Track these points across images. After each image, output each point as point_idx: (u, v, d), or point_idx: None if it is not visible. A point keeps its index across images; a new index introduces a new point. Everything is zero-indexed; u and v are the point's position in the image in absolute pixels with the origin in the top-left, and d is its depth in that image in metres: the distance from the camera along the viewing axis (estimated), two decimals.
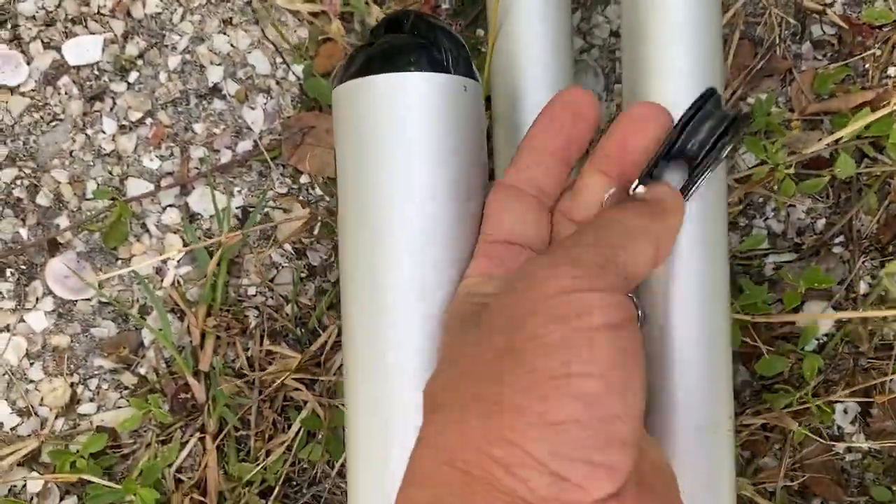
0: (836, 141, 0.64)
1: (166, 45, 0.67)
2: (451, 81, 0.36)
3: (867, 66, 0.66)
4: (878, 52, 0.66)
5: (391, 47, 0.38)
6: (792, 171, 0.62)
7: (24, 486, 0.65)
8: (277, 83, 0.67)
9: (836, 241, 0.66)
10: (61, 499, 0.65)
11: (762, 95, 0.66)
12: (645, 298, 0.38)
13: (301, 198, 0.67)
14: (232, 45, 0.67)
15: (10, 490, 0.65)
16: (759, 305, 0.62)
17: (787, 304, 0.62)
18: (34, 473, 0.64)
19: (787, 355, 0.64)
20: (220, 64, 0.67)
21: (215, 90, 0.67)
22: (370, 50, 0.38)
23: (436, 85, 0.36)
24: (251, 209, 0.67)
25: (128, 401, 0.66)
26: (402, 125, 0.35)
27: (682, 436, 0.37)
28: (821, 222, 0.67)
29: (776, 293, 0.65)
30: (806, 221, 0.67)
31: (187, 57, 0.67)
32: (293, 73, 0.67)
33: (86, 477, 0.62)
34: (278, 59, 0.67)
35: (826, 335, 0.66)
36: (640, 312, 0.34)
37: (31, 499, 0.65)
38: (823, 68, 0.66)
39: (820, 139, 0.65)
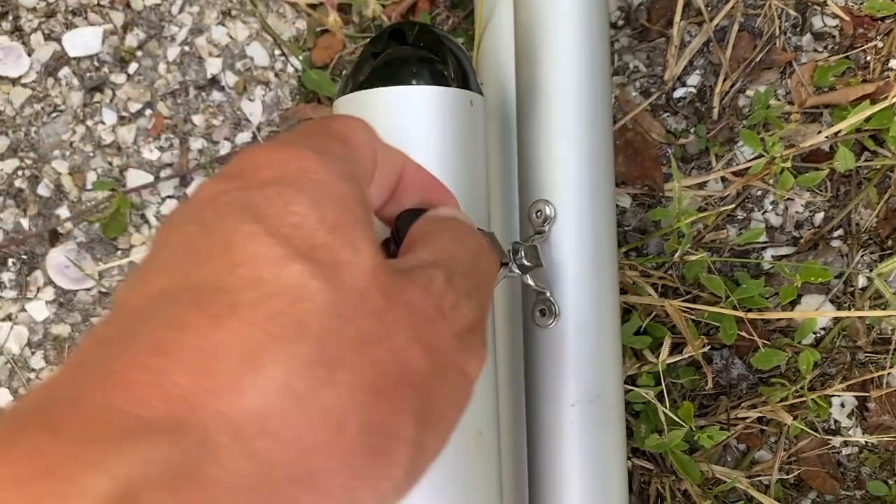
0: (836, 134, 0.64)
1: (165, 37, 0.67)
2: (457, 96, 0.36)
3: (868, 58, 0.66)
4: (880, 45, 0.66)
5: (395, 59, 0.37)
6: (790, 164, 0.62)
7: None
8: (276, 75, 0.67)
9: (835, 234, 0.66)
10: None
11: (761, 88, 0.65)
12: (557, 296, 0.39)
13: None
14: (230, 37, 0.67)
15: None
16: (756, 299, 0.62)
17: (782, 299, 0.62)
18: None
19: (783, 349, 0.64)
20: (218, 55, 0.67)
21: (214, 82, 0.67)
22: (373, 61, 0.37)
23: (441, 99, 0.35)
24: None
25: None
26: (405, 140, 0.35)
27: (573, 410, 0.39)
28: (819, 216, 0.66)
29: (773, 286, 0.65)
30: (804, 215, 0.66)
31: (186, 48, 0.67)
32: (291, 64, 0.67)
33: None
34: (277, 51, 0.67)
35: (823, 329, 0.66)
36: (555, 308, 0.38)
37: None
38: (824, 60, 0.66)
39: (819, 132, 0.64)
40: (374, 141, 0.25)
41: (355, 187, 0.21)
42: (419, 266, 0.22)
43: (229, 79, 0.67)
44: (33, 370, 0.67)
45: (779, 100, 0.66)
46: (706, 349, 0.63)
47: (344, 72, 0.67)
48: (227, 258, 0.18)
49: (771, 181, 0.65)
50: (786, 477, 0.65)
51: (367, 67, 0.37)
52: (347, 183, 0.21)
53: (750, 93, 0.66)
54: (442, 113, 0.35)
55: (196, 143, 0.67)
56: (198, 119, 0.67)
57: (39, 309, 0.67)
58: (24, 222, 0.66)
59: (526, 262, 0.36)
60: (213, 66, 0.67)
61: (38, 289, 0.67)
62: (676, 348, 0.63)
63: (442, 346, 0.20)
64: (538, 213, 0.39)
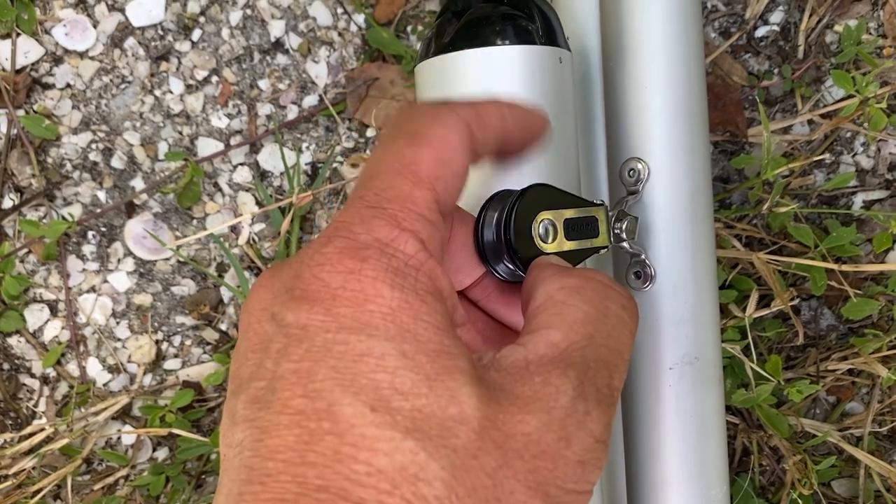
0: None
1: (227, 1, 0.66)
2: (546, 54, 0.34)
3: None
4: None
5: (479, 19, 0.35)
6: (884, 104, 0.58)
7: (119, 438, 0.68)
8: (339, 34, 0.66)
9: None
10: (154, 450, 0.68)
11: (851, 22, 0.61)
12: (652, 258, 0.38)
13: (367, 153, 0.66)
14: None
15: (106, 442, 0.68)
16: (847, 248, 0.60)
17: (876, 247, 0.59)
18: (128, 427, 0.67)
19: (876, 297, 0.61)
20: (281, 17, 0.66)
21: (278, 45, 0.66)
22: (456, 22, 0.36)
23: (529, 59, 0.34)
24: (320, 165, 0.66)
25: (211, 356, 0.68)
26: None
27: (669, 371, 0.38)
28: None
29: (865, 233, 0.62)
30: None
31: (248, 12, 0.66)
32: (355, 22, 0.66)
33: (175, 431, 0.64)
34: (339, 10, 0.66)
35: None
36: (651, 269, 0.37)
37: (126, 451, 0.68)
38: None
39: None
40: (468, 117, 0.23)
41: (436, 297, 0.20)
42: (547, 363, 0.20)
43: (293, 41, 0.66)
44: (119, 339, 0.68)
45: (870, 34, 0.62)
46: (794, 301, 0.61)
47: (409, 27, 0.66)
48: (339, 439, 0.18)
49: (862, 122, 0.62)
50: (879, 429, 0.63)
51: (450, 29, 0.35)
52: (429, 297, 0.20)
53: (838, 28, 0.62)
54: (530, 73, 0.34)
55: (263, 109, 0.67)
56: (264, 84, 0.67)
57: (121, 280, 0.68)
58: (101, 195, 0.67)
59: (623, 235, 0.35)
60: (276, 28, 0.66)
61: (119, 260, 0.68)
62: (762, 301, 0.61)
63: (564, 482, 0.19)
64: (631, 172, 0.37)
